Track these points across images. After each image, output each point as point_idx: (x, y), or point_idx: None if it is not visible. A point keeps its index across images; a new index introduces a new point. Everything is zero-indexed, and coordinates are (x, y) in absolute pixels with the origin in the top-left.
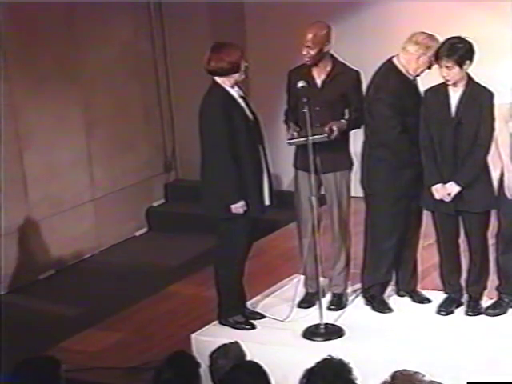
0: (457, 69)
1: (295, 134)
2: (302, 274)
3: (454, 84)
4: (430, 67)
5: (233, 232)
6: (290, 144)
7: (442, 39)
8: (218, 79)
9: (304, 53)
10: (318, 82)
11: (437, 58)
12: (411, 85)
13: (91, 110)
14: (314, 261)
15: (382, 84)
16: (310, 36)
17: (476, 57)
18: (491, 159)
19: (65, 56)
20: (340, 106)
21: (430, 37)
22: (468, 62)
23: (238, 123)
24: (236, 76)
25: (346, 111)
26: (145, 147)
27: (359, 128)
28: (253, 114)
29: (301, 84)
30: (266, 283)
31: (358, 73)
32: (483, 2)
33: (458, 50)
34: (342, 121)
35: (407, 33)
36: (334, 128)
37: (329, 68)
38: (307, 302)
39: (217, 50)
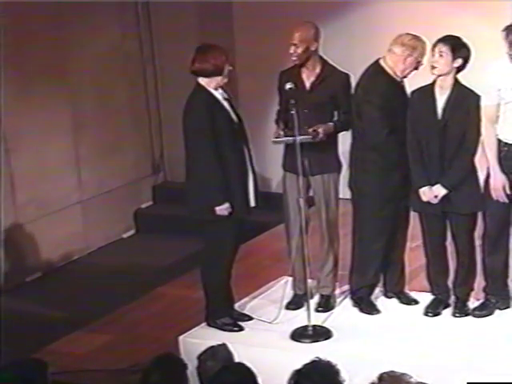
0: (448, 58)
1: (281, 133)
2: (290, 276)
3: (441, 86)
4: (416, 68)
5: (219, 234)
6: (274, 143)
7: (428, 41)
8: (202, 81)
9: (291, 51)
10: (307, 84)
11: (434, 45)
12: (399, 86)
13: (79, 112)
14: (302, 262)
15: (370, 86)
16: (296, 34)
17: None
18: (478, 161)
19: (52, 57)
20: (329, 108)
21: (416, 38)
22: (461, 59)
23: (221, 125)
24: (219, 79)
25: (336, 113)
26: (133, 149)
27: (347, 131)
28: (237, 115)
29: (288, 86)
30: (254, 285)
31: (347, 75)
32: (471, 4)
33: (456, 40)
34: (329, 123)
35: (396, 34)
36: (320, 130)
37: (318, 70)
38: (295, 303)
39: (202, 51)
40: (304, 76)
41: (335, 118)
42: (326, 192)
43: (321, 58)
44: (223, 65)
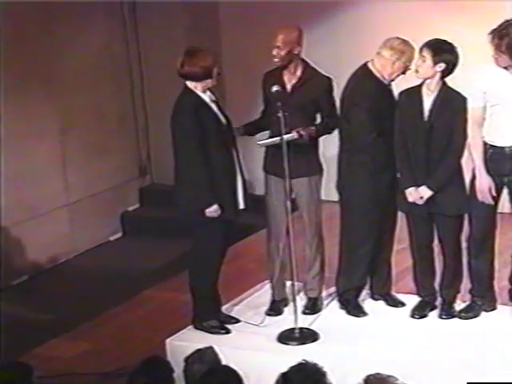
0: (429, 62)
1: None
2: (270, 282)
3: (428, 87)
4: (404, 72)
5: (208, 236)
6: (260, 146)
7: (417, 44)
8: (190, 84)
9: (274, 53)
10: (288, 86)
11: (420, 49)
12: (386, 89)
13: (65, 115)
14: (289, 265)
15: (357, 89)
16: (280, 37)
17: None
18: (464, 163)
19: (38, 59)
20: (311, 111)
21: (405, 42)
22: (443, 63)
23: (209, 127)
24: (208, 82)
25: (318, 116)
26: (119, 151)
27: (330, 134)
28: (226, 117)
29: (275, 88)
30: (241, 288)
31: (329, 79)
32: (459, 7)
33: (439, 44)
34: (311, 127)
35: (384, 37)
36: (303, 133)
37: (299, 73)
38: (274, 310)
39: (190, 54)
40: (285, 78)
41: (318, 121)
42: (308, 195)
43: (303, 60)
44: (212, 67)
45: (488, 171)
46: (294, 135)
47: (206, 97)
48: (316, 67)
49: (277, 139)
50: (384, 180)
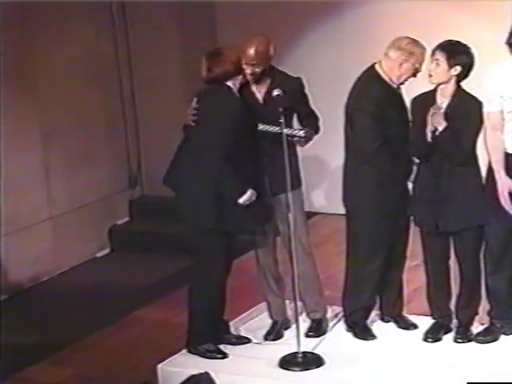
0: (444, 66)
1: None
2: (267, 302)
3: (442, 93)
4: (414, 75)
5: (209, 249)
6: (260, 130)
7: (427, 45)
8: (229, 83)
9: (248, 71)
10: (259, 96)
11: (432, 52)
12: (395, 93)
13: (48, 120)
14: (292, 283)
15: (363, 93)
16: (252, 53)
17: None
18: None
19: (19, 60)
20: (287, 118)
21: (414, 42)
22: (459, 67)
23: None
24: (240, 78)
25: (294, 122)
26: (107, 160)
27: (317, 133)
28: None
29: (276, 93)
30: (246, 304)
31: (300, 79)
32: (471, 5)
33: (453, 46)
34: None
35: (392, 38)
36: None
37: (268, 81)
38: (274, 333)
39: (215, 55)
40: (254, 89)
41: (297, 127)
42: (298, 208)
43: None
44: (241, 62)
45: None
46: (300, 132)
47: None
48: (280, 68)
49: (277, 128)
50: (392, 192)
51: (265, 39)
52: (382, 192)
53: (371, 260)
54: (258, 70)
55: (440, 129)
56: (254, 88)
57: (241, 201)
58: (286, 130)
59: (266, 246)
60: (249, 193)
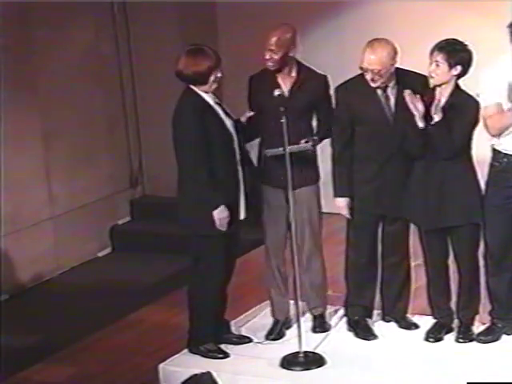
0: (445, 67)
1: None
2: (270, 301)
3: (442, 92)
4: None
5: (208, 250)
6: (268, 154)
7: (425, 44)
8: (193, 86)
9: (267, 57)
10: (285, 89)
11: (431, 53)
12: (375, 94)
13: (49, 119)
14: (293, 282)
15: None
16: (273, 39)
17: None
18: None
19: (19, 60)
20: (308, 115)
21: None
22: (459, 66)
23: (213, 131)
24: (211, 82)
25: (314, 121)
26: (108, 160)
27: (330, 137)
28: (233, 120)
29: (277, 92)
30: (246, 304)
31: (325, 77)
32: (469, 4)
33: (451, 45)
34: (314, 137)
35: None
36: (311, 142)
37: (294, 74)
38: (276, 332)
39: (192, 54)
40: (280, 81)
41: (315, 124)
42: (310, 204)
43: (296, 60)
44: (215, 68)
45: (500, 184)
46: (306, 145)
47: (210, 99)
48: (309, 65)
49: (292, 147)
50: (364, 190)
51: (288, 27)
52: (357, 189)
53: (354, 254)
54: (276, 56)
55: (436, 119)
56: (280, 80)
57: (215, 215)
58: (291, 147)
59: (278, 244)
60: (219, 209)
